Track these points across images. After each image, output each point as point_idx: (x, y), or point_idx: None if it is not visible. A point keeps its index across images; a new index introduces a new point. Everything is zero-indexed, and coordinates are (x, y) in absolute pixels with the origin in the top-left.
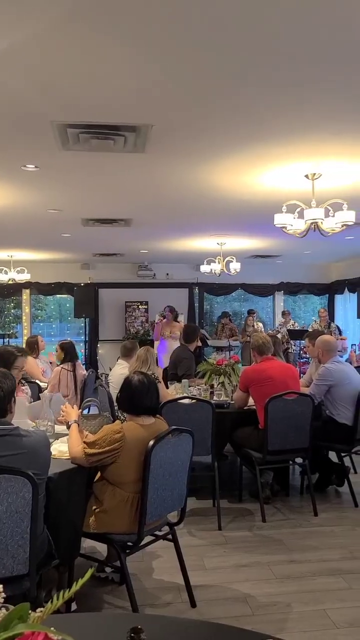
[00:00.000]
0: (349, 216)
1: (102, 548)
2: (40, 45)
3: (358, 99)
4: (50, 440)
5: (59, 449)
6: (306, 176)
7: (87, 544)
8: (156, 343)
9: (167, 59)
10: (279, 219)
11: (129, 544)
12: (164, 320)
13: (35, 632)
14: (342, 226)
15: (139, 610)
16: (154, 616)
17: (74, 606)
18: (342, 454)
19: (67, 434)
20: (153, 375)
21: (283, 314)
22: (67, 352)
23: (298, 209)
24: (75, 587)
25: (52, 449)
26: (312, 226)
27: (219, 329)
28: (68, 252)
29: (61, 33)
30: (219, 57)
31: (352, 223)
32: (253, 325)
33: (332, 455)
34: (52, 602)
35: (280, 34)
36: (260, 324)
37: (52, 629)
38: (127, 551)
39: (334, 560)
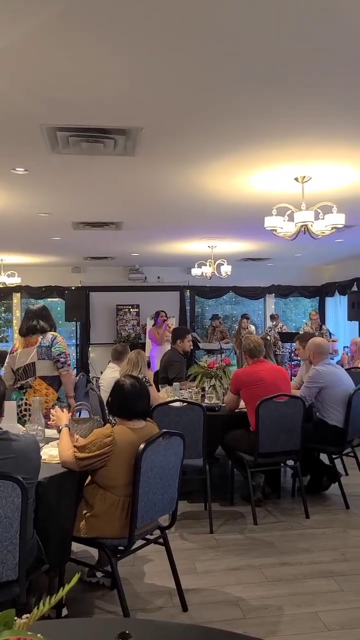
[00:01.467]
0: (338, 219)
1: (93, 552)
2: (29, 48)
3: (347, 103)
4: (41, 444)
5: (49, 453)
6: (296, 179)
7: (78, 548)
8: (148, 346)
9: (157, 62)
10: (269, 222)
11: (120, 548)
12: (161, 326)
13: (21, 639)
14: (332, 229)
15: (130, 614)
16: (144, 621)
17: (64, 611)
18: (333, 456)
19: (57, 438)
20: (144, 379)
21: (272, 317)
22: None
23: (288, 212)
24: (62, 592)
25: (42, 453)
26: (302, 229)
27: (210, 331)
28: (59, 255)
29: (51, 36)
30: (209, 61)
31: (341, 226)
32: (246, 328)
33: (324, 458)
34: (38, 608)
35: (270, 39)
36: (252, 327)
37: (38, 635)
38: (118, 555)
39: (325, 563)
